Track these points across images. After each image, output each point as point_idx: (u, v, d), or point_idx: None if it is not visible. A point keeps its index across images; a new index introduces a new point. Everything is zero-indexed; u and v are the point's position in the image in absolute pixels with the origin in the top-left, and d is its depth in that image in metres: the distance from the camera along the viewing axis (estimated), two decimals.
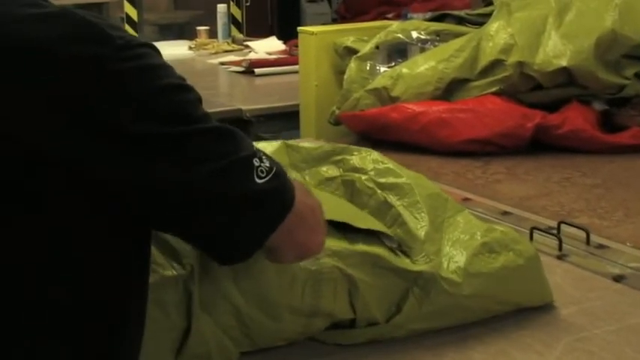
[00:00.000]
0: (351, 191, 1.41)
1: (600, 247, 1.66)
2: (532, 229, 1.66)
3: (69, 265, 0.86)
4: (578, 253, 1.63)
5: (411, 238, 1.30)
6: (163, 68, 0.87)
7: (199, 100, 0.92)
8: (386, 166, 1.42)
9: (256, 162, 0.88)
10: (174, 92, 0.87)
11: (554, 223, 1.71)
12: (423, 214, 1.34)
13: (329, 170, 1.46)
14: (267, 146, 1.45)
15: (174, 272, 1.14)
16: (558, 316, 1.37)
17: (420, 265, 1.27)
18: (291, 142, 1.50)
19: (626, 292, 1.48)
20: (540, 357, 1.24)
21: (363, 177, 1.40)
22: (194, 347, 1.16)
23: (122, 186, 0.85)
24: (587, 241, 1.66)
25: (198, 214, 0.87)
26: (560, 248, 1.63)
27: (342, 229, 1.27)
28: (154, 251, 1.14)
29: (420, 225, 1.32)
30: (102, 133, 0.82)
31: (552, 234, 1.66)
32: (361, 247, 1.26)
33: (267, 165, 0.89)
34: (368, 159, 1.44)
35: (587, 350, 1.27)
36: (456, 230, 1.35)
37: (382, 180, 1.39)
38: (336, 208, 1.32)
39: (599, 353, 1.26)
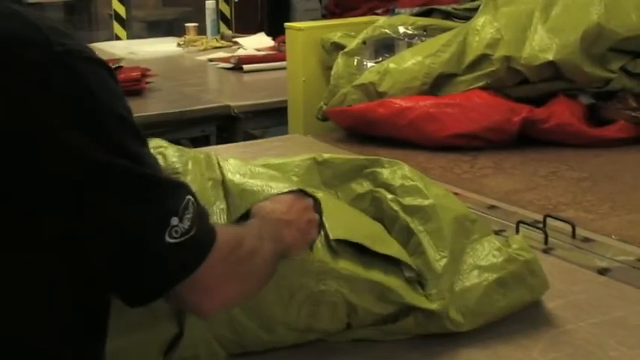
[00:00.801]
0: (382, 210, 1.39)
1: (586, 240, 1.67)
2: (518, 223, 1.67)
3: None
4: (563, 247, 1.63)
5: (428, 270, 1.28)
6: (104, 91, 0.84)
7: (140, 135, 0.89)
8: (414, 183, 1.39)
9: (174, 221, 0.86)
10: (115, 119, 0.85)
11: (540, 217, 1.72)
12: (444, 243, 1.31)
13: (359, 186, 1.43)
14: (298, 167, 1.43)
15: None
16: (543, 309, 1.37)
17: (431, 304, 1.25)
18: (322, 156, 1.47)
19: (611, 284, 1.49)
20: (525, 350, 1.25)
21: (389, 197, 1.38)
22: (183, 350, 1.16)
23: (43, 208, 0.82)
24: (573, 235, 1.67)
25: (104, 252, 0.86)
26: (545, 242, 1.64)
27: (363, 248, 1.26)
28: None
29: (439, 256, 1.29)
30: (31, 137, 0.80)
31: (538, 227, 1.67)
32: (374, 274, 1.24)
33: (186, 227, 0.87)
34: (398, 174, 1.41)
35: (571, 343, 1.27)
36: (475, 258, 1.33)
37: (407, 201, 1.36)
38: (362, 228, 1.31)
39: (583, 345, 1.26)
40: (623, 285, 1.48)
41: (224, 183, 1.23)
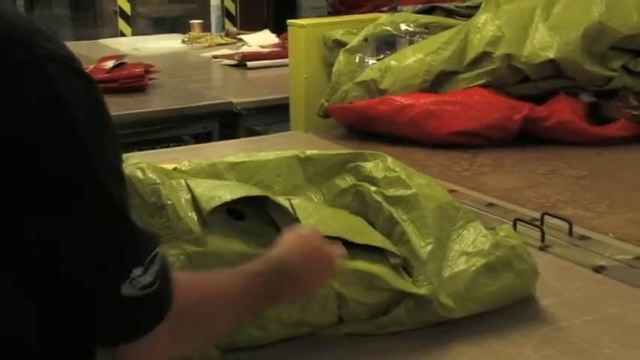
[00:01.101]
0: (365, 203, 1.40)
1: (583, 238, 1.67)
2: (515, 221, 1.67)
3: None
4: (560, 244, 1.64)
5: (413, 257, 1.30)
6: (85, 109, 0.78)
7: (114, 156, 0.82)
8: (396, 174, 1.40)
9: (136, 272, 0.79)
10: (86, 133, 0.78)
11: (538, 215, 1.72)
12: (428, 230, 1.32)
13: (343, 181, 1.44)
14: (280, 159, 1.44)
15: None
16: (538, 306, 1.38)
17: (419, 288, 1.26)
18: (305, 152, 1.47)
19: (607, 282, 1.49)
20: (518, 346, 1.26)
21: (372, 189, 1.39)
22: None
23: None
24: (570, 233, 1.67)
25: (62, 290, 0.79)
26: (542, 239, 1.64)
27: (344, 243, 1.26)
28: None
29: (423, 243, 1.31)
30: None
31: (535, 225, 1.67)
32: (360, 264, 1.25)
33: (149, 281, 0.80)
34: (380, 167, 1.42)
35: (565, 340, 1.28)
36: (462, 245, 1.34)
37: (390, 192, 1.37)
38: (340, 222, 1.32)
39: (576, 342, 1.27)
40: (618, 283, 1.48)
41: (194, 198, 1.23)
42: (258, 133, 3.06)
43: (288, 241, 1.09)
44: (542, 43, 2.32)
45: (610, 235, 1.69)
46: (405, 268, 1.30)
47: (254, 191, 1.28)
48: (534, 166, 2.17)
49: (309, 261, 1.08)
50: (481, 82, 2.37)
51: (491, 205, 1.88)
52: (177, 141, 2.97)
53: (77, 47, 4.36)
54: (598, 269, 1.53)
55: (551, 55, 2.30)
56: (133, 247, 0.81)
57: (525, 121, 2.31)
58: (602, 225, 1.75)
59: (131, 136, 2.86)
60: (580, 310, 1.37)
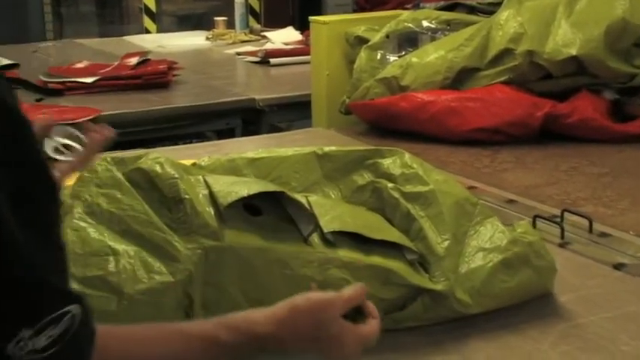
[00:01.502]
0: (382, 200, 1.40)
1: (603, 235, 1.66)
2: (535, 217, 1.67)
3: None
4: (580, 241, 1.63)
5: (430, 253, 1.30)
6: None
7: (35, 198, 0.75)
8: (414, 171, 1.40)
9: (25, 333, 0.71)
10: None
11: (558, 212, 1.72)
12: (445, 227, 1.32)
13: (360, 177, 1.44)
14: (298, 156, 1.44)
15: (172, 278, 1.15)
16: (555, 303, 1.37)
17: (436, 284, 1.26)
18: (323, 149, 1.47)
19: (626, 280, 1.48)
20: (535, 342, 1.25)
21: (390, 185, 1.39)
22: None
23: None
24: (590, 230, 1.66)
25: None
26: (562, 236, 1.63)
27: (362, 239, 1.27)
28: (150, 258, 1.16)
29: (440, 239, 1.31)
30: None
31: (555, 222, 1.67)
32: (375, 259, 1.26)
33: (41, 345, 0.71)
34: (397, 163, 1.42)
35: (582, 336, 1.27)
36: (479, 241, 1.34)
37: (407, 189, 1.37)
38: (357, 219, 1.32)
39: (594, 339, 1.26)
40: (638, 280, 1.47)
41: (211, 194, 1.23)
42: (280, 130, 3.06)
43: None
44: (565, 39, 2.31)
45: (631, 232, 1.68)
46: (422, 264, 1.30)
47: (271, 187, 1.29)
48: (556, 163, 2.16)
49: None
50: (503, 78, 2.36)
51: (511, 201, 1.88)
52: (200, 137, 2.99)
53: (102, 44, 4.41)
54: (618, 266, 1.52)
55: (573, 51, 2.29)
56: (27, 305, 0.72)
57: (547, 118, 2.30)
58: (623, 222, 1.74)
59: (154, 132, 2.89)
60: (599, 306, 1.37)
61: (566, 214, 1.69)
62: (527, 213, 1.75)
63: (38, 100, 2.93)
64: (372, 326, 1.04)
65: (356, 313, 1.05)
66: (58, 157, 1.14)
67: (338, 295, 1.02)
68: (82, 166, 1.22)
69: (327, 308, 1.00)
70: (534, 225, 1.64)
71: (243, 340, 0.94)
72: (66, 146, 1.17)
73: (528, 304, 1.35)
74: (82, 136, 1.19)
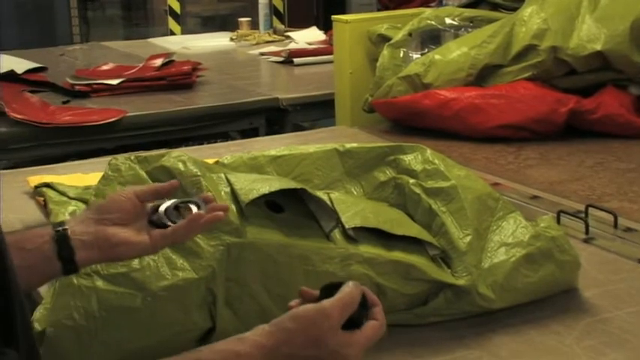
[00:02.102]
0: (404, 195, 1.41)
1: (628, 230, 1.65)
2: (559, 213, 1.66)
3: None
4: (605, 237, 1.62)
5: (452, 249, 1.30)
6: None
7: None
8: (435, 167, 1.41)
9: None
10: None
11: (582, 207, 1.71)
12: (467, 222, 1.32)
13: (382, 174, 1.45)
14: (320, 153, 1.45)
15: (195, 275, 1.16)
16: (580, 298, 1.37)
17: (458, 279, 1.26)
18: (344, 145, 1.48)
19: None
20: (559, 337, 1.25)
21: (411, 181, 1.40)
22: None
23: None
24: (615, 225, 1.65)
25: None
26: (586, 231, 1.63)
27: (383, 235, 1.28)
28: (173, 254, 1.17)
29: (463, 234, 1.31)
30: None
31: (579, 217, 1.66)
32: (397, 254, 1.26)
33: None
34: (419, 159, 1.43)
35: (607, 331, 1.27)
36: (501, 236, 1.34)
37: (429, 184, 1.38)
38: (379, 215, 1.32)
39: (618, 334, 1.26)
40: None
41: (233, 191, 1.24)
42: (304, 129, 3.07)
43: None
44: (589, 35, 2.29)
45: None
46: (444, 259, 1.30)
47: (292, 184, 1.29)
48: (580, 159, 2.15)
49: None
50: (526, 75, 2.34)
51: (535, 197, 1.87)
52: (224, 137, 3.00)
53: (128, 46, 4.44)
54: None
55: (598, 47, 2.27)
56: None
57: (572, 114, 2.28)
58: None
59: (179, 132, 2.90)
60: (623, 301, 1.36)
61: (590, 210, 1.68)
62: (552, 209, 1.74)
63: (65, 102, 2.96)
64: (374, 326, 0.99)
65: (357, 309, 0.99)
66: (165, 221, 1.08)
67: (330, 304, 0.94)
68: (173, 240, 1.09)
69: (320, 322, 0.93)
70: (558, 220, 1.63)
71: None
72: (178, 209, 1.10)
73: (552, 299, 1.35)
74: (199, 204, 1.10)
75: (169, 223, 1.07)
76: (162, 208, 1.09)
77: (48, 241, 1.02)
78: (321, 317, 0.93)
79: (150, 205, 1.10)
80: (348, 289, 0.97)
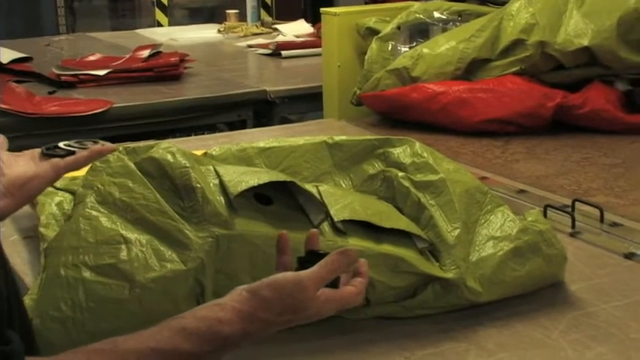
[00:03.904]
0: (393, 189, 1.41)
1: (614, 225, 1.66)
2: (546, 207, 1.67)
3: None
4: (591, 231, 1.63)
5: (440, 242, 1.30)
6: None
7: None
8: (424, 160, 1.41)
9: None
10: None
11: (569, 201, 1.72)
12: (455, 215, 1.32)
13: (371, 167, 1.45)
14: (309, 145, 1.45)
15: (183, 266, 1.16)
16: (566, 291, 1.38)
17: (446, 273, 1.26)
18: (333, 138, 1.48)
19: (637, 269, 1.48)
20: (545, 330, 1.25)
21: (400, 174, 1.40)
22: None
23: None
24: (601, 219, 1.66)
25: None
26: (573, 226, 1.63)
27: (372, 228, 1.28)
28: (162, 246, 1.17)
29: (451, 227, 1.31)
30: None
31: (566, 212, 1.67)
32: (385, 247, 1.26)
33: None
34: (408, 152, 1.43)
35: (593, 324, 1.27)
36: (489, 229, 1.34)
37: (418, 177, 1.38)
38: (368, 208, 1.32)
39: (604, 327, 1.26)
40: None
41: (222, 183, 1.24)
42: (292, 122, 3.07)
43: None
44: (577, 30, 2.30)
45: None
46: (433, 252, 1.31)
47: (281, 177, 1.29)
48: (567, 153, 2.16)
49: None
50: (514, 69, 2.35)
51: (522, 191, 1.87)
52: (212, 129, 2.99)
53: (114, 37, 4.42)
54: (629, 256, 1.52)
55: (585, 42, 2.28)
56: None
57: (559, 109, 2.29)
58: (635, 212, 1.73)
59: (166, 124, 2.90)
60: (609, 295, 1.37)
61: (577, 204, 1.69)
62: (539, 203, 1.75)
63: (51, 93, 2.95)
64: (354, 289, 1.01)
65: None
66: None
67: (307, 276, 0.96)
68: (76, 166, 1.23)
69: (297, 294, 0.95)
70: (545, 215, 1.64)
71: (206, 347, 0.91)
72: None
73: (539, 293, 1.35)
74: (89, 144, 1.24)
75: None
76: (61, 144, 1.22)
77: None
78: (298, 289, 0.96)
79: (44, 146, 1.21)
80: (330, 258, 1.00)
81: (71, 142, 1.23)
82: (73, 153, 1.22)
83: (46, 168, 1.19)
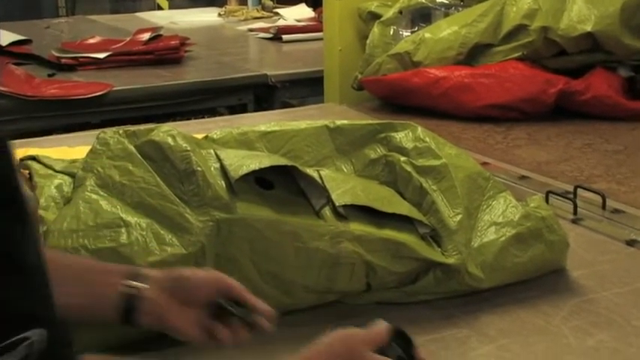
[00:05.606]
0: (394, 173, 1.40)
1: (616, 211, 1.65)
2: (548, 193, 1.66)
3: None
4: (593, 218, 1.62)
5: (442, 227, 1.29)
6: None
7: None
8: (426, 145, 1.39)
9: None
10: None
11: (571, 188, 1.71)
12: (457, 200, 1.32)
13: (373, 151, 1.44)
14: (310, 129, 1.44)
15: (184, 250, 1.15)
16: (568, 278, 1.37)
17: (448, 258, 1.26)
18: (335, 122, 1.47)
19: (638, 256, 1.48)
20: (546, 317, 1.25)
21: (402, 159, 1.38)
22: None
23: None
24: (603, 206, 1.66)
25: None
26: (575, 212, 1.63)
27: (373, 213, 1.27)
28: (162, 230, 1.16)
29: (453, 212, 1.30)
30: None
31: (568, 198, 1.66)
32: (387, 232, 1.25)
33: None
34: (410, 137, 1.42)
35: (594, 311, 1.27)
36: (491, 215, 1.34)
37: (420, 162, 1.37)
38: (369, 192, 1.31)
39: (606, 314, 1.26)
40: None
41: (222, 167, 1.23)
42: (292, 106, 3.06)
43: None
44: (580, 15, 2.29)
45: None
46: (434, 238, 1.30)
47: (282, 161, 1.28)
48: (569, 140, 2.15)
49: None
50: (516, 55, 2.34)
51: (524, 177, 1.87)
52: (213, 113, 2.98)
53: (114, 20, 4.40)
54: (630, 242, 1.52)
55: (588, 28, 2.27)
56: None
57: (561, 95, 2.29)
58: (637, 199, 1.73)
59: (166, 107, 2.88)
60: (611, 282, 1.36)
61: (579, 191, 1.68)
62: (540, 189, 1.74)
63: (51, 75, 2.93)
64: None
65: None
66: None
67: (354, 331, 0.97)
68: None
69: (348, 341, 0.96)
70: (547, 201, 1.63)
71: None
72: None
73: (541, 279, 1.35)
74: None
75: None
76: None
77: (116, 293, 1.03)
78: (347, 337, 0.96)
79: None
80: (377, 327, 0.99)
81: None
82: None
83: (194, 334, 1.05)
